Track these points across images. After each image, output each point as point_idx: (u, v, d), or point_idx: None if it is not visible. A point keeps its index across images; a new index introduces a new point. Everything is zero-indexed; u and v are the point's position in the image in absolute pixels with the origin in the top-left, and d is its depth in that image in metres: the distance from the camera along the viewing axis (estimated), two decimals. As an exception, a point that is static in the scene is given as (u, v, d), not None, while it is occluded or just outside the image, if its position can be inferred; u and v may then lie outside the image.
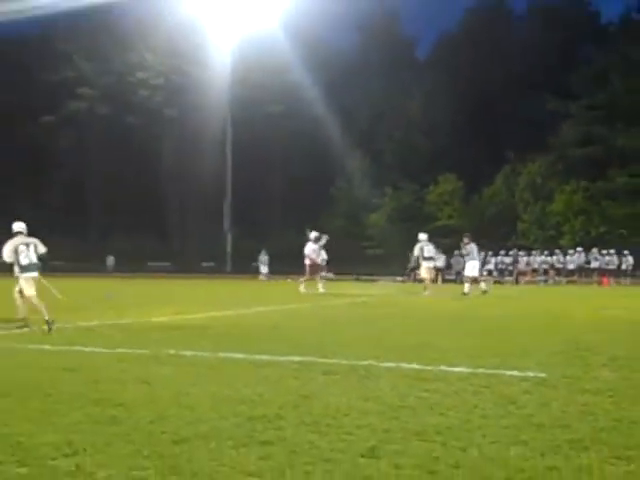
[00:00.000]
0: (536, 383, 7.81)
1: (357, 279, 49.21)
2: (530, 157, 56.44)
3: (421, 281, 30.72)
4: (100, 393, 7.19)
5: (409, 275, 43.41)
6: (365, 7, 65.73)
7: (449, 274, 45.83)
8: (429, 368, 8.77)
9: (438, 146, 60.71)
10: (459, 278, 40.35)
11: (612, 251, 46.05)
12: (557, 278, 47.06)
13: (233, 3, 59.01)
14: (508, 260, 48.84)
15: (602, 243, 48.26)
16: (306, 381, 7.94)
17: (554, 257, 47.71)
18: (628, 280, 45.03)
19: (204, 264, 64.30)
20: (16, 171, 72.54)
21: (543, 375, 8.27)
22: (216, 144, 64.55)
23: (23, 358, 10.00)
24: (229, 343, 11.49)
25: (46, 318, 13.45)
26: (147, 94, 70.62)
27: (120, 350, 10.51)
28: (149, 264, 64.34)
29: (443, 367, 8.80)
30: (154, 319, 15.94)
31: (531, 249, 50.21)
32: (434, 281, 35.33)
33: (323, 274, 32.60)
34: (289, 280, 38.69)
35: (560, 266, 47.50)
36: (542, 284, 46.01)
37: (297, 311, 20.10)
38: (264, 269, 48.03)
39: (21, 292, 14.45)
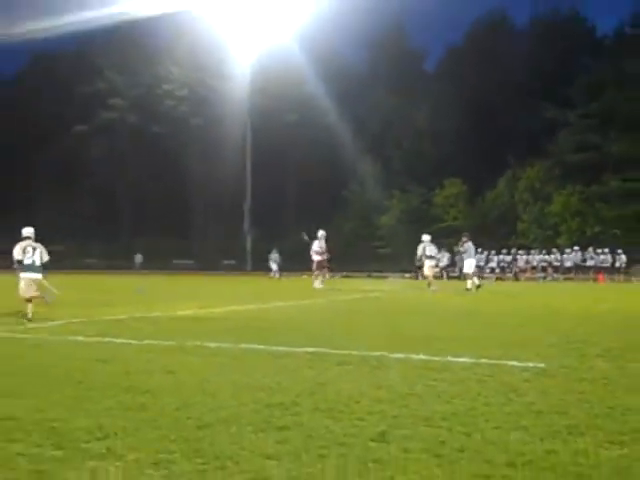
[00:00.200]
0: (536, 373, 7.79)
1: (369, 276, 49.27)
2: (529, 162, 56.34)
3: (425, 278, 30.76)
4: (130, 381, 7.21)
5: (417, 272, 43.42)
6: (375, 23, 65.57)
7: (453, 272, 45.73)
8: (436, 359, 8.75)
9: (444, 152, 60.56)
10: (463, 275, 40.35)
11: (606, 250, 46.03)
12: (555, 275, 46.94)
13: (252, 20, 59.34)
14: (509, 258, 48.84)
15: (597, 242, 48.20)
16: (321, 370, 7.94)
17: (552, 255, 47.71)
18: (621, 277, 44.85)
19: (225, 262, 64.31)
20: (51, 178, 73.17)
21: (542, 365, 8.24)
22: (237, 150, 64.64)
23: (58, 349, 10.04)
24: (249, 335, 11.47)
25: (29, 316, 14.12)
26: (173, 104, 71.04)
27: (148, 341, 10.53)
28: (174, 262, 64.57)
29: (449, 358, 8.79)
30: (180, 313, 15.96)
31: (530, 248, 50.16)
32: (439, 278, 35.28)
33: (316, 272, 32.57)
34: (304, 277, 38.74)
35: (558, 264, 47.45)
36: (541, 281, 45.84)
37: (312, 306, 20.03)
38: (274, 266, 47.76)
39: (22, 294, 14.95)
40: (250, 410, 5.93)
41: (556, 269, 47.40)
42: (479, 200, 59.18)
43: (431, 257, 30.21)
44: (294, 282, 39.34)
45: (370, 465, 4.51)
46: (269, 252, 49.65)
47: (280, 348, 9.76)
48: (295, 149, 69.44)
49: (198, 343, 10.26)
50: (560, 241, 51.58)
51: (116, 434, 5.18)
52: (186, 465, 4.51)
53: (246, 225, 66.52)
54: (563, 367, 8.12)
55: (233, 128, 63.54)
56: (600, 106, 55.34)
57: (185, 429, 5.34)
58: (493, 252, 48.84)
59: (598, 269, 45.72)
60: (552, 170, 56.21)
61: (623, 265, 45.50)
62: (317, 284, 29.01)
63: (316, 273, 30.06)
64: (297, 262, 42.36)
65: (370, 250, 60.09)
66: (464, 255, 30.01)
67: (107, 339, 10.90)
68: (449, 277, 43.78)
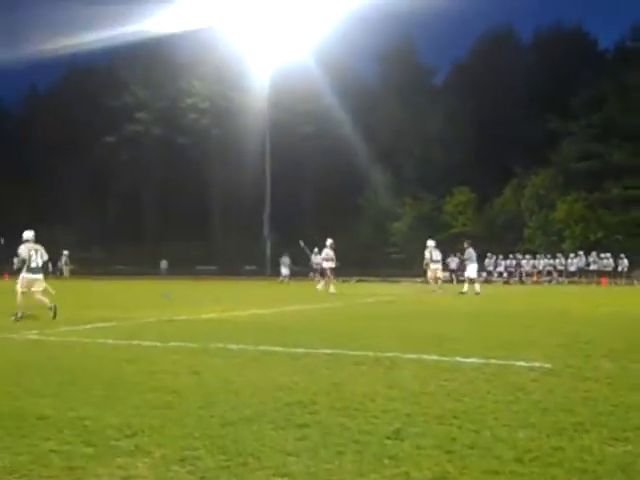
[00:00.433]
0: (542, 372, 7.77)
1: (383, 280, 49.21)
2: (534, 171, 56.19)
3: (437, 280, 30.76)
4: (156, 381, 7.24)
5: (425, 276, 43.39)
6: (386, 39, 65.73)
7: (462, 275, 45.60)
8: (446, 359, 8.75)
9: (453, 162, 60.42)
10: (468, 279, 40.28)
11: (609, 255, 45.95)
12: (560, 279, 46.81)
13: (270, 36, 59.68)
14: (515, 263, 48.78)
15: (600, 247, 48.04)
16: (337, 371, 7.94)
17: (557, 260, 47.64)
18: (623, 280, 44.70)
19: (246, 267, 64.28)
20: (82, 186, 73.65)
21: (548, 365, 8.22)
22: (256, 160, 64.76)
23: (88, 351, 10.08)
24: (269, 337, 11.48)
25: (20, 315, 14.61)
26: (195, 117, 71.24)
27: (173, 343, 10.55)
28: (197, 267, 64.60)
29: (459, 358, 8.77)
30: (203, 316, 15.99)
31: (536, 253, 50.09)
32: (450, 281, 35.20)
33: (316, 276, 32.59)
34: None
35: (562, 268, 47.37)
36: (546, 284, 45.70)
37: (329, 309, 20.00)
38: (285, 271, 47.41)
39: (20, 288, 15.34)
40: (270, 408, 5.95)
41: (561, 273, 47.36)
42: (487, 207, 59.08)
43: (437, 261, 30.53)
44: (311, 287, 39.32)
45: (385, 461, 4.51)
46: (279, 256, 49.35)
47: (298, 349, 9.77)
48: (312, 159, 69.37)
49: (221, 345, 10.29)
50: (564, 246, 51.44)
51: (144, 432, 5.20)
52: (210, 461, 4.53)
53: (266, 231, 66.57)
54: (568, 367, 8.09)
55: (253, 139, 63.65)
56: (602, 117, 55.19)
57: (209, 427, 5.35)
58: (501, 257, 48.89)
59: (601, 273, 45.60)
60: (556, 178, 56.04)
61: (625, 269, 45.37)
62: (332, 289, 28.85)
63: (326, 279, 29.99)
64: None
65: (384, 255, 60.02)
66: (467, 261, 30.08)
67: (135, 341, 10.93)
68: (458, 281, 43.68)
